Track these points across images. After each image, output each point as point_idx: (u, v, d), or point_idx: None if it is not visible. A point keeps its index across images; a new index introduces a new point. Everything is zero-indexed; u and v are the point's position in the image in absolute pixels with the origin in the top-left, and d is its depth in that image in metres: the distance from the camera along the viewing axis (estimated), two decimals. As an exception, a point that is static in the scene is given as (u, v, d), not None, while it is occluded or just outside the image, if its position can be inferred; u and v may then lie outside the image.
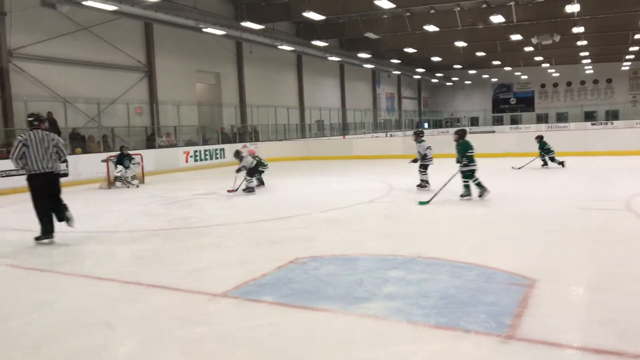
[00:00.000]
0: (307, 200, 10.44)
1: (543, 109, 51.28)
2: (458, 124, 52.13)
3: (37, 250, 6.68)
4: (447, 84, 54.08)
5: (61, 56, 17.67)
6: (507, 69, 47.94)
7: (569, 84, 50.86)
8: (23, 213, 10.05)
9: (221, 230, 7.62)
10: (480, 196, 9.34)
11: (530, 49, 34.44)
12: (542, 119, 49.52)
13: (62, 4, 16.36)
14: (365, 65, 37.10)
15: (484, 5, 25.54)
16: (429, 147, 11.11)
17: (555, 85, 51.44)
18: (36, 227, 7.02)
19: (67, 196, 12.39)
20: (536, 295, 4.16)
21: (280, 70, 30.49)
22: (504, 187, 11.26)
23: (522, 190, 11.02)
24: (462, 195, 9.50)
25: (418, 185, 11.12)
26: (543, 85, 51.81)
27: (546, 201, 9.33)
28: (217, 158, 21.53)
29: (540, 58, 41.51)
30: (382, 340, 3.44)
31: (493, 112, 53.38)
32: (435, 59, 39.31)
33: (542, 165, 14.75)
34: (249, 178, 11.76)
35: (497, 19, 23.50)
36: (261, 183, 12.76)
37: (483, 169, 10.27)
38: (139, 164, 15.05)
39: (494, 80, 52.87)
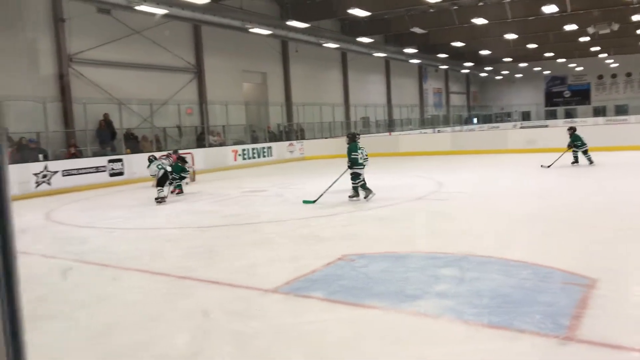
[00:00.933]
0: (354, 197, 10.42)
1: (600, 101, 48.96)
2: (508, 118, 50.58)
3: (99, 246, 7.00)
4: (497, 77, 52.55)
5: (116, 60, 18.41)
6: (561, 60, 46.08)
7: (628, 74, 48.33)
8: (86, 210, 10.58)
9: (271, 226, 7.74)
10: (365, 197, 9.45)
11: (586, 39, 32.94)
12: (599, 112, 47.32)
13: (116, 9, 17.03)
14: (411, 61, 36.60)
15: (536, -5, 24.64)
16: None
17: (614, 76, 48.99)
18: (99, 224, 7.35)
19: (122, 194, 12.99)
20: (596, 295, 4.00)
21: (325, 67, 30.57)
22: (551, 182, 10.88)
23: (569, 185, 10.61)
24: (350, 197, 9.60)
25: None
26: (600, 77, 49.47)
27: (597, 197, 8.94)
28: (264, 156, 21.86)
29: (597, 48, 39.62)
30: (435, 339, 3.41)
31: (546, 106, 51.44)
32: (484, 52, 38.29)
33: (573, 162, 13.89)
34: (159, 188, 10.96)
35: (549, 9, 22.62)
36: (180, 191, 12.24)
37: (531, 164, 9.94)
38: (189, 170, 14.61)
39: (546, 72, 50.94)
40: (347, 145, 9.67)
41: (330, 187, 9.94)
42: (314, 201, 9.45)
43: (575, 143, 13.94)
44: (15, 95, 14.67)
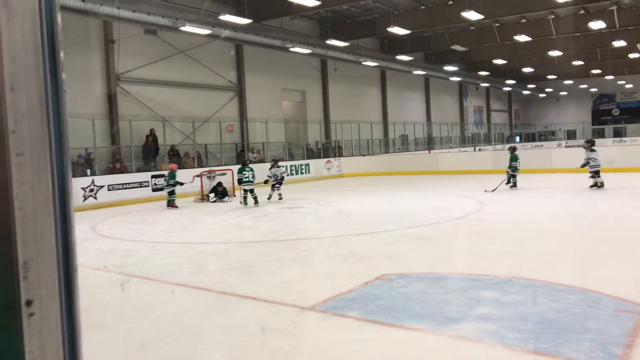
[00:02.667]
0: (392, 215, 10.33)
1: (651, 119, 47.03)
2: (553, 137, 49.20)
3: (143, 259, 7.17)
4: (540, 95, 51.34)
5: (160, 78, 19.05)
6: (609, 77, 44.62)
7: (680, 91, 46.34)
8: (130, 224, 10.89)
9: (309, 243, 7.74)
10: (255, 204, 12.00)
11: (636, 55, 31.88)
12: (650, 130, 45.42)
13: (162, 30, 17.69)
14: (451, 78, 36.28)
15: (582, 12, 24.08)
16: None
17: (665, 93, 47.07)
18: (142, 238, 7.53)
19: (165, 210, 13.32)
20: (650, 324, 3.79)
21: (363, 85, 30.67)
22: (600, 203, 10.44)
23: (619, 207, 10.15)
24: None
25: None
26: (651, 94, 47.60)
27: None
28: (302, 173, 21.98)
29: (647, 65, 38.25)
30: (476, 364, 3.30)
31: (593, 125, 49.77)
32: (527, 69, 37.56)
33: (511, 186, 13.80)
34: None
35: (597, 25, 22.04)
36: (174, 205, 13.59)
37: (576, 184, 9.62)
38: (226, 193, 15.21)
39: (593, 90, 49.41)
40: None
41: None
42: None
43: (513, 164, 13.96)
44: (68, 113, 15.35)
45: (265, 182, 14.05)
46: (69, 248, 0.71)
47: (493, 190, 13.12)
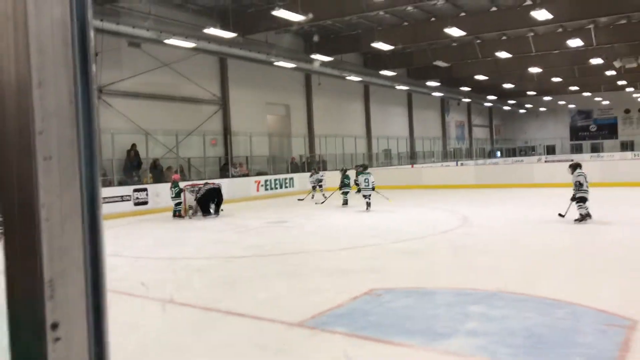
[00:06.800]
0: (378, 229, 10.32)
1: (628, 135, 48.14)
2: (533, 152, 50.03)
3: (126, 275, 7.01)
4: (520, 111, 52.29)
5: (144, 91, 18.88)
6: (586, 94, 45.68)
7: (656, 108, 47.63)
8: (112, 239, 10.66)
9: (295, 258, 7.67)
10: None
11: (612, 72, 32.70)
12: (626, 146, 46.45)
13: (146, 42, 17.60)
14: (433, 94, 36.74)
15: (560, 30, 24.68)
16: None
17: (641, 110, 48.33)
18: (125, 253, 7.37)
19: (147, 224, 13.11)
20: (639, 338, 3.80)
21: (347, 100, 30.86)
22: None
23: (600, 221, 10.29)
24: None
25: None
26: (627, 111, 48.78)
27: (634, 233, 8.64)
28: (286, 187, 21.91)
29: (624, 82, 39.26)
30: (469, 380, 3.26)
31: (571, 140, 50.80)
32: (507, 85, 38.25)
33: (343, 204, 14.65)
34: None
35: (575, 42, 22.58)
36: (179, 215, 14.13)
37: (558, 199, 9.78)
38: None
39: (571, 106, 50.50)
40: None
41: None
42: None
43: (344, 182, 14.94)
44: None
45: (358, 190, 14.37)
46: (98, 263, 0.64)
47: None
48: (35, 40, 0.60)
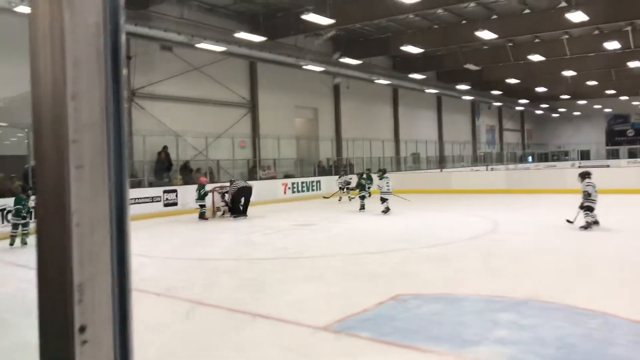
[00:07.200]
0: (406, 234, 10.23)
1: (667, 140, 46.53)
2: (566, 157, 48.82)
3: (155, 276, 7.14)
4: (553, 115, 51.08)
5: (175, 94, 19.24)
6: (624, 98, 44.28)
7: (697, 113, 45.86)
8: (141, 239, 10.88)
9: (321, 261, 7.67)
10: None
11: (651, 76, 31.66)
12: (665, 151, 44.90)
13: (178, 46, 17.94)
14: (463, 97, 36.25)
15: (597, 32, 24.03)
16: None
17: (681, 114, 46.63)
18: (154, 253, 7.51)
19: (176, 225, 13.32)
20: (676, 351, 3.66)
21: (376, 103, 30.74)
22: (617, 224, 10.25)
23: (635, 228, 9.96)
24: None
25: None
26: (666, 115, 47.17)
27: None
28: (313, 190, 21.95)
29: (663, 86, 37.94)
30: (497, 390, 3.20)
31: (607, 145, 49.33)
32: (540, 89, 37.43)
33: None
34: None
35: (611, 45, 21.96)
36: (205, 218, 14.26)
37: (597, 206, 9.53)
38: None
39: (607, 110, 49.06)
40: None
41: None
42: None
43: (365, 185, 15.20)
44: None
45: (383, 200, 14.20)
46: (125, 268, 0.67)
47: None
48: (70, 55, 0.63)
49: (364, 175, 15.98)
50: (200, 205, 14.14)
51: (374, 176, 15.73)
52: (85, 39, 0.63)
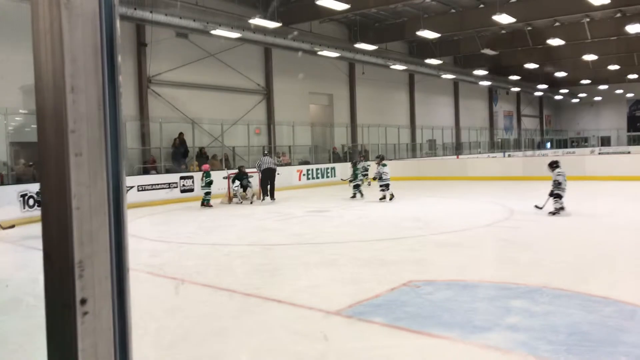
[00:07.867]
0: (420, 221, 10.22)
1: (690, 126, 45.41)
2: (586, 144, 48.00)
3: (170, 260, 7.27)
4: (573, 100, 50.14)
5: (190, 81, 19.34)
6: (645, 82, 43.32)
7: None
8: (158, 225, 11.06)
9: (335, 248, 7.72)
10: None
11: (674, 60, 30.87)
12: (688, 138, 43.88)
13: (193, 33, 17.99)
14: (481, 83, 35.77)
15: (619, 15, 23.44)
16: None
17: None
18: (170, 239, 7.63)
19: (192, 210, 13.49)
20: (690, 339, 3.64)
21: (391, 89, 30.52)
22: (636, 212, 10.11)
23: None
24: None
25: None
26: (690, 100, 45.98)
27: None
28: (328, 177, 21.98)
29: (687, 70, 36.96)
30: (506, 375, 3.22)
31: (628, 131, 48.30)
32: (560, 74, 36.75)
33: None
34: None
35: (634, 28, 21.41)
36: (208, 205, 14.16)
37: (611, 192, 9.36)
38: (250, 186, 15.32)
39: (629, 95, 47.97)
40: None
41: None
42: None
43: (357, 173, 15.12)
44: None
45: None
46: (122, 248, 0.73)
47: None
48: (69, 51, 0.68)
49: (357, 164, 15.97)
50: (205, 192, 14.17)
51: (372, 163, 15.75)
52: (82, 38, 0.68)
